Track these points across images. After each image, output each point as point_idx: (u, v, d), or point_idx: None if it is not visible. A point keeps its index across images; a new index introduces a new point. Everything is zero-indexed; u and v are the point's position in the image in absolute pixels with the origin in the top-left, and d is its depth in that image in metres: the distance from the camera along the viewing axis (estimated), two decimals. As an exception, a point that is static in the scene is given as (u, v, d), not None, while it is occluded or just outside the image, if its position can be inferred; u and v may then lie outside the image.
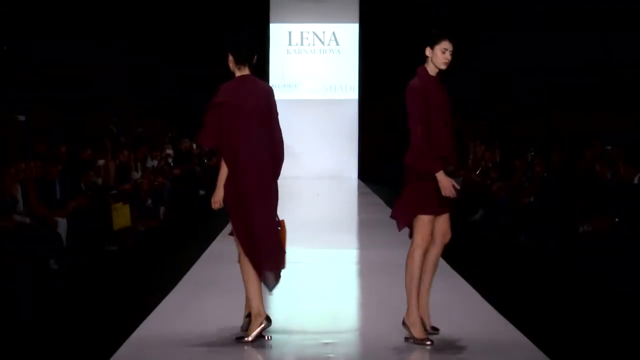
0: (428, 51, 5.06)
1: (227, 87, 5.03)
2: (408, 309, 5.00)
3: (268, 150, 5.00)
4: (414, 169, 4.92)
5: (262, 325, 4.99)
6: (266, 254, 4.97)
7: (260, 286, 5.05)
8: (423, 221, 4.97)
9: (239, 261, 5.10)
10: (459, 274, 7.18)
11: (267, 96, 5.06)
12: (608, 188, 8.16)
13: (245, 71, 5.07)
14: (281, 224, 5.10)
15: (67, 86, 15.95)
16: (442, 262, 7.56)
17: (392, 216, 5.08)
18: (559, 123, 15.42)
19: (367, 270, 7.73)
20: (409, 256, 5.00)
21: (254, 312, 5.01)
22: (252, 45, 5.06)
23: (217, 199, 4.99)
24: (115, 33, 17.58)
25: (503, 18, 18.36)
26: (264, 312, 5.03)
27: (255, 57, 5.07)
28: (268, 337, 5.02)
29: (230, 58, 5.07)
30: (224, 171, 4.97)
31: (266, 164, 4.98)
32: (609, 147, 10.42)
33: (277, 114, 5.11)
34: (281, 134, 5.10)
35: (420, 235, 4.97)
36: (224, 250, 7.87)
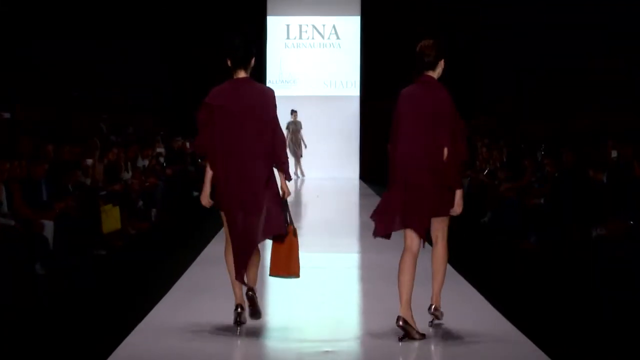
0: (442, 63, 5.40)
1: (219, 89, 5.37)
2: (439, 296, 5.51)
3: (262, 151, 5.28)
4: (447, 177, 5.27)
5: (237, 311, 5.44)
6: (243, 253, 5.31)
7: (241, 285, 5.44)
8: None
9: (225, 252, 5.53)
10: (464, 278, 7.19)
11: (263, 99, 5.33)
12: (623, 189, 8.14)
13: (242, 74, 5.37)
14: (288, 230, 5.43)
15: (55, 83, 15.98)
16: (449, 267, 7.61)
17: (419, 232, 5.34)
18: (569, 121, 15.42)
19: (369, 275, 7.73)
20: (446, 251, 5.55)
21: (236, 301, 5.47)
22: (247, 50, 5.35)
23: (203, 198, 5.50)
24: (106, 27, 17.62)
25: (507, 13, 18.41)
26: (241, 299, 5.44)
27: (253, 60, 5.38)
28: (240, 326, 5.44)
29: (228, 62, 5.38)
30: (209, 171, 5.42)
31: (258, 165, 5.28)
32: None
33: (274, 115, 5.35)
34: (277, 135, 5.36)
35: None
36: (219, 253, 7.84)
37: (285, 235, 5.40)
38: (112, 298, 6.80)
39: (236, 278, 5.35)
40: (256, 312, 5.43)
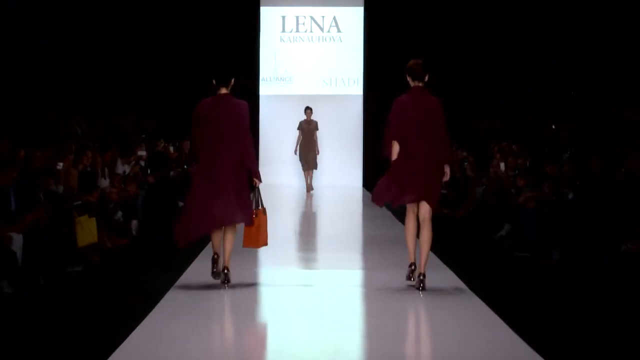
0: (427, 76, 7.63)
1: (205, 101, 7.69)
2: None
3: (233, 151, 7.51)
4: (445, 155, 7.62)
5: (214, 258, 7.70)
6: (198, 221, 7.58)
7: (220, 239, 7.65)
8: None
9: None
10: (480, 298, 7.20)
11: (238, 111, 7.62)
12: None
13: (223, 90, 7.69)
14: (258, 211, 7.72)
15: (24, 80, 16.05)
16: (460, 284, 7.69)
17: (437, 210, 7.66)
18: (594, 121, 15.39)
19: (373, 295, 7.73)
20: (431, 230, 7.54)
21: (213, 250, 7.73)
22: (228, 73, 7.69)
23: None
24: (81, 18, 17.72)
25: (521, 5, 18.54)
26: (217, 249, 7.70)
27: (232, 81, 7.70)
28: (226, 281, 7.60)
29: (213, 81, 7.66)
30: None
31: (227, 160, 7.49)
32: None
33: (246, 124, 7.62)
34: (247, 139, 7.57)
35: None
36: (206, 271, 7.86)
37: (254, 217, 7.66)
38: (87, 320, 6.81)
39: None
40: (228, 281, 7.58)
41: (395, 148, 7.56)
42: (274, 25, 20.11)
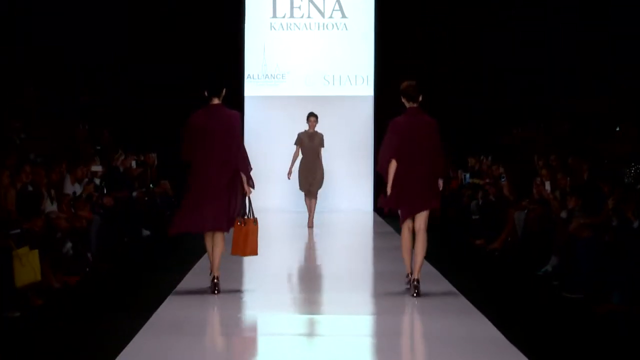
0: (420, 97, 9.70)
1: (199, 112, 9.54)
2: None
3: (225, 161, 9.40)
4: (439, 170, 9.74)
5: (214, 281, 9.51)
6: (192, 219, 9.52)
7: (214, 253, 9.44)
8: None
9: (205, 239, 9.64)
10: (520, 350, 7.18)
11: (229, 121, 9.52)
12: None
13: (216, 101, 9.55)
14: (248, 220, 9.63)
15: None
16: (498, 334, 7.68)
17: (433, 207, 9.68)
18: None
19: (384, 346, 7.75)
20: (426, 237, 9.63)
21: (214, 273, 9.56)
22: (219, 83, 9.55)
23: None
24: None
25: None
26: (215, 271, 9.51)
27: (224, 90, 9.56)
28: (216, 290, 9.49)
29: (205, 92, 9.50)
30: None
31: (219, 171, 9.38)
32: None
33: (237, 134, 9.60)
34: (240, 149, 9.49)
35: None
36: (175, 316, 7.83)
37: (243, 225, 9.57)
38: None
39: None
40: (218, 291, 9.46)
41: (392, 167, 9.56)
42: (262, 10, 20.17)
